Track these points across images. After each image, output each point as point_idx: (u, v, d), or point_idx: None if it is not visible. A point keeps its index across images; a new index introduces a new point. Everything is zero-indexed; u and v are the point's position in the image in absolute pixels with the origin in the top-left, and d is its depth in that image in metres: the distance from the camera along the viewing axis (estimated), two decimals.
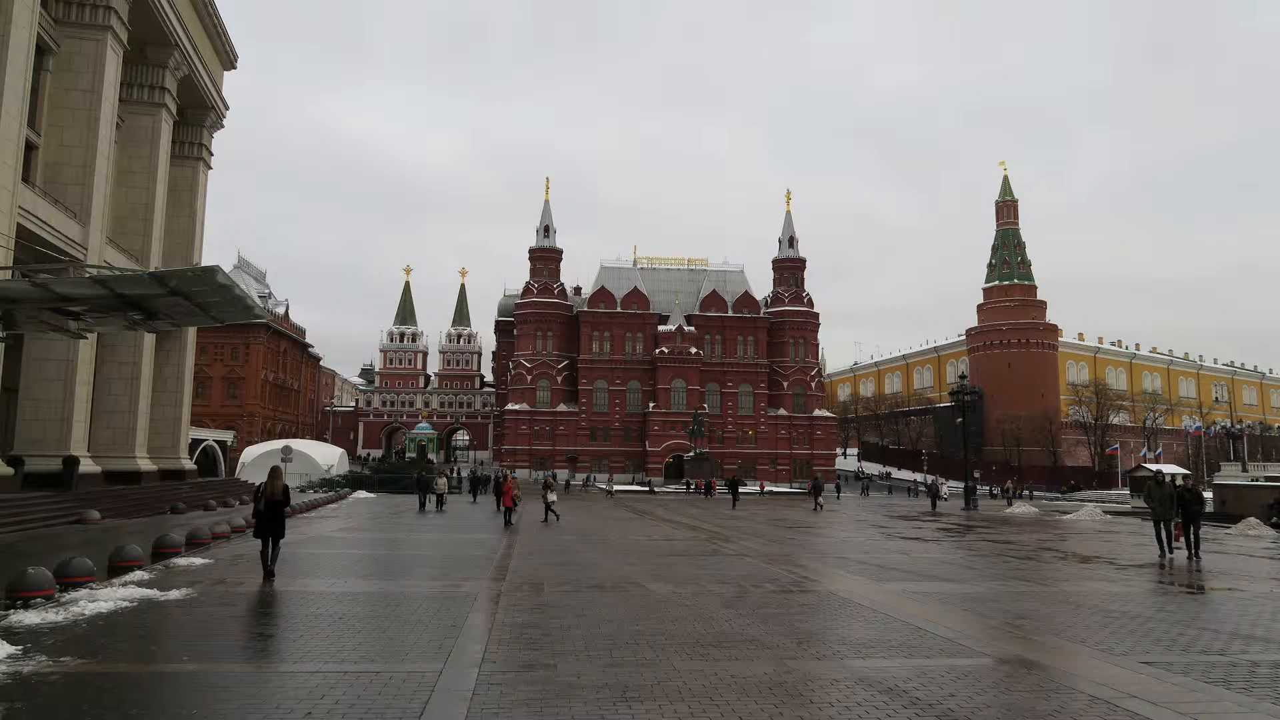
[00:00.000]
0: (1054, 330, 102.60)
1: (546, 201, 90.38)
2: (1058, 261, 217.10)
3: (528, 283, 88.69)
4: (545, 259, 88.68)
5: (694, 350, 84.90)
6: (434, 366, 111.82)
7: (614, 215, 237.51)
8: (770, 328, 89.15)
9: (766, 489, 68.26)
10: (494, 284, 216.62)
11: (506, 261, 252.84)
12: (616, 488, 61.67)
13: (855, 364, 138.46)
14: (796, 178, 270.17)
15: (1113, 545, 22.15)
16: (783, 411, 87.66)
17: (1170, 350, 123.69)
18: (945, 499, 50.30)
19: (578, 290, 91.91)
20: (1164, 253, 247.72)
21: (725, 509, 39.19)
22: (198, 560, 14.49)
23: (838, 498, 56.35)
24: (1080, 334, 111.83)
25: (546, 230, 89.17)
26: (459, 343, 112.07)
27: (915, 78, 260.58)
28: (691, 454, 77.12)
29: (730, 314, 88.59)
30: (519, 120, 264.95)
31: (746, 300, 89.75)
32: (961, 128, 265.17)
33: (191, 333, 37.09)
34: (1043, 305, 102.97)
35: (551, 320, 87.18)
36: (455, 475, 60.08)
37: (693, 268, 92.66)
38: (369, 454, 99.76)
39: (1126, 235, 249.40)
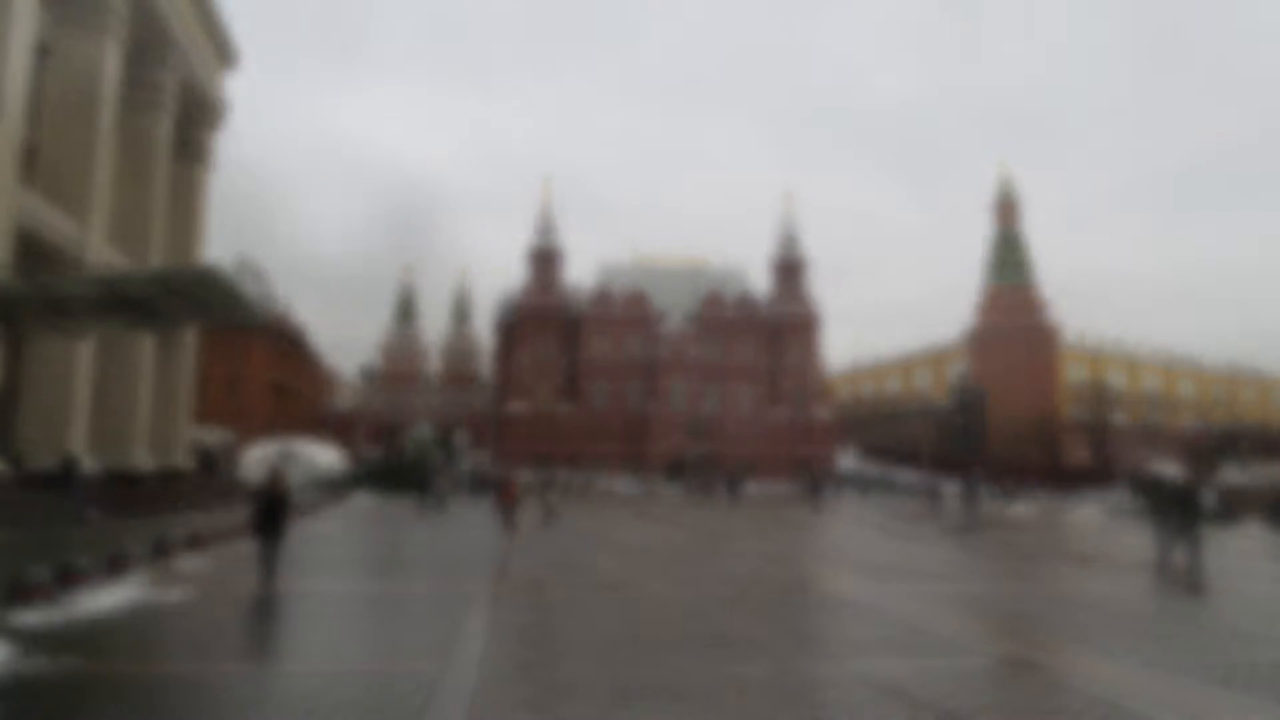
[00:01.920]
0: (1054, 330, 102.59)
1: (547, 201, 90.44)
2: (1058, 261, 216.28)
3: (527, 283, 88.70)
4: (545, 259, 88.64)
5: (694, 350, 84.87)
6: (434, 366, 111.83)
7: (614, 215, 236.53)
8: (770, 328, 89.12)
9: (766, 489, 68.23)
10: (494, 284, 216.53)
11: (506, 261, 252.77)
12: (616, 488, 61.63)
13: (855, 364, 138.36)
14: (797, 178, 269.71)
15: (1113, 545, 22.14)
16: (783, 411, 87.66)
17: (1170, 350, 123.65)
18: (945, 499, 50.24)
19: (578, 290, 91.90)
20: (1164, 253, 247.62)
21: (725, 509, 39.18)
22: (198, 560, 14.48)
23: (838, 498, 56.32)
24: (1080, 334, 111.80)
25: (546, 230, 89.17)
26: (459, 343, 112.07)
27: (915, 78, 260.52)
28: (691, 454, 77.10)
29: (730, 314, 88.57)
30: (518, 119, 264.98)
31: (746, 300, 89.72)
32: (961, 128, 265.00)
33: (191, 333, 37.07)
34: (1043, 305, 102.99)
35: (551, 320, 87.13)
36: (455, 475, 60.04)
37: (693, 268, 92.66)
38: (369, 454, 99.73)
39: (1127, 235, 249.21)
